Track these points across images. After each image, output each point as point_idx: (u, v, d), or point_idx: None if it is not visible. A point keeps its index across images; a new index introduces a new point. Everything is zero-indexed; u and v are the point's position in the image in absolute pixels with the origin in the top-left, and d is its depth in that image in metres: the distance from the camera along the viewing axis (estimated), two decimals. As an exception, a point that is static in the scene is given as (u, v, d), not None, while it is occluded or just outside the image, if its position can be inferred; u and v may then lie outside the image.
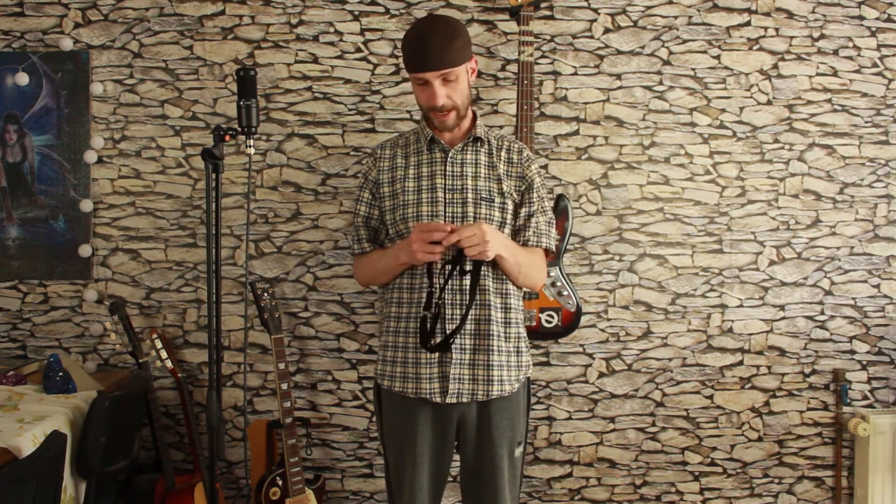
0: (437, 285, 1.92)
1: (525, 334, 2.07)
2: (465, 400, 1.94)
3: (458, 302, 1.94)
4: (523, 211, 2.04)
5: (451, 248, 1.89)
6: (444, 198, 1.96)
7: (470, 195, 1.96)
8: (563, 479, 2.87)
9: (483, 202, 1.97)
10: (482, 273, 1.94)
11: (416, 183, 1.99)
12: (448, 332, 1.92)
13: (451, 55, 1.87)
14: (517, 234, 2.05)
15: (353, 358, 2.83)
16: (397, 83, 2.78)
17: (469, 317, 1.94)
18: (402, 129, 2.76)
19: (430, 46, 1.85)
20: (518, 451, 2.02)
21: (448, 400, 1.93)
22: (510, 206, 2.00)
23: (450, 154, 1.99)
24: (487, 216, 1.96)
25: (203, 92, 2.79)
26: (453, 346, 1.92)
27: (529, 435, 2.83)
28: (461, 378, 1.93)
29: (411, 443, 1.97)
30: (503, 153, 2.04)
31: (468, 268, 1.93)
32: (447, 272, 1.92)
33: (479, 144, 2.03)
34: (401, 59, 2.78)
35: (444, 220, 1.94)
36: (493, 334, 1.95)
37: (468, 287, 1.93)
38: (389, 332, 2.02)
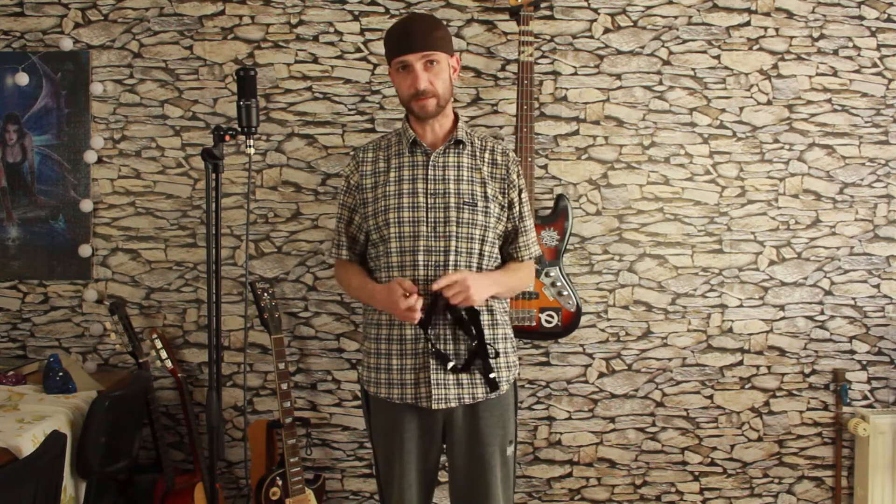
0: (432, 334, 1.94)
1: (511, 334, 2.08)
2: (452, 405, 1.95)
3: (450, 336, 1.95)
4: (511, 225, 2.04)
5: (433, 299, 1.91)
6: (426, 202, 1.96)
7: (452, 199, 1.96)
8: (563, 479, 2.87)
9: (465, 206, 1.96)
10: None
11: (398, 187, 1.98)
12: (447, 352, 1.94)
13: (432, 40, 1.91)
14: (506, 245, 2.06)
15: (353, 358, 2.83)
16: (397, 83, 2.78)
17: (449, 321, 1.94)
18: (402, 129, 2.76)
19: (412, 31, 1.91)
20: (510, 449, 2.02)
21: (435, 406, 1.93)
22: (494, 210, 2.00)
23: (431, 157, 1.99)
24: (470, 220, 1.96)
25: (203, 92, 2.79)
26: (433, 352, 1.93)
27: (529, 435, 2.84)
28: (446, 383, 1.93)
29: (398, 441, 1.98)
30: (487, 154, 2.03)
31: (464, 315, 1.93)
32: (442, 317, 1.93)
33: (460, 147, 2.02)
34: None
35: (427, 225, 1.94)
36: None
37: (470, 327, 1.94)
38: (371, 339, 2.03)
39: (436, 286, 1.87)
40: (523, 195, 2.06)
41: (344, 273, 2.12)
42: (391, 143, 2.07)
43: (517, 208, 2.04)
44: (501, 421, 2.00)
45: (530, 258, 2.09)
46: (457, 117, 2.05)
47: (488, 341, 1.96)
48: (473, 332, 1.93)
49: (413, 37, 1.90)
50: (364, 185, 2.04)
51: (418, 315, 1.87)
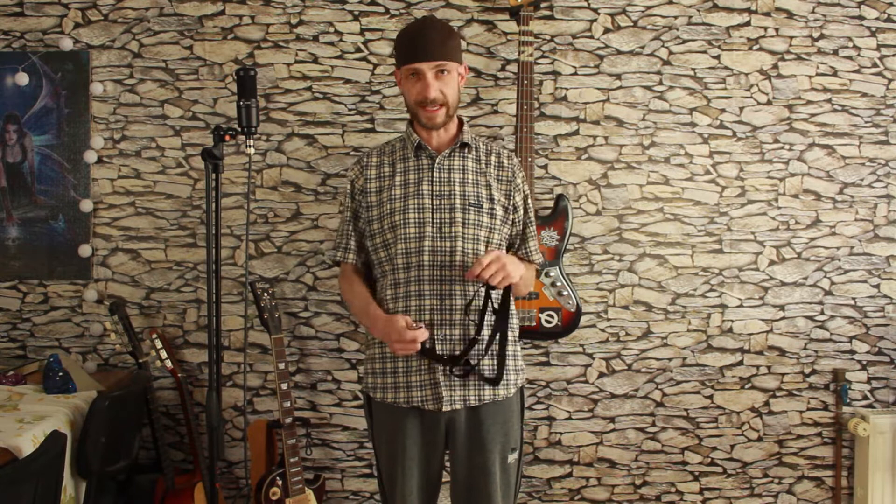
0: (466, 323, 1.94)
1: (516, 337, 2.06)
2: (457, 406, 1.94)
3: (457, 337, 1.94)
4: (516, 230, 2.05)
5: (464, 288, 1.92)
6: (432, 204, 1.95)
7: (458, 201, 1.95)
8: (563, 479, 2.87)
9: (471, 207, 1.96)
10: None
11: (403, 190, 1.98)
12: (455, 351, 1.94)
13: (446, 50, 1.91)
14: (510, 249, 2.07)
15: (353, 358, 2.83)
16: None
17: (459, 322, 1.94)
18: (402, 129, 2.75)
19: (426, 39, 1.90)
20: (512, 457, 1.99)
21: (443, 408, 1.92)
22: (499, 212, 1.99)
23: (437, 160, 1.98)
24: (476, 222, 1.96)
25: (203, 92, 2.79)
26: (440, 352, 1.92)
27: (529, 435, 2.84)
28: (452, 385, 1.93)
29: (401, 446, 1.97)
30: (493, 157, 2.04)
31: (495, 305, 1.93)
32: (479, 307, 1.93)
33: (466, 150, 2.02)
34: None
35: (432, 226, 1.94)
36: (484, 339, 1.95)
37: (493, 318, 1.94)
38: (374, 343, 2.01)
39: (475, 271, 1.81)
40: (528, 201, 2.07)
41: (349, 288, 2.07)
42: (396, 148, 2.06)
43: (522, 212, 2.05)
44: (504, 428, 1.98)
45: (533, 261, 2.10)
46: (461, 121, 2.05)
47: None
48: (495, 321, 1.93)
49: (427, 45, 1.89)
50: (368, 189, 2.03)
51: (418, 347, 1.86)
